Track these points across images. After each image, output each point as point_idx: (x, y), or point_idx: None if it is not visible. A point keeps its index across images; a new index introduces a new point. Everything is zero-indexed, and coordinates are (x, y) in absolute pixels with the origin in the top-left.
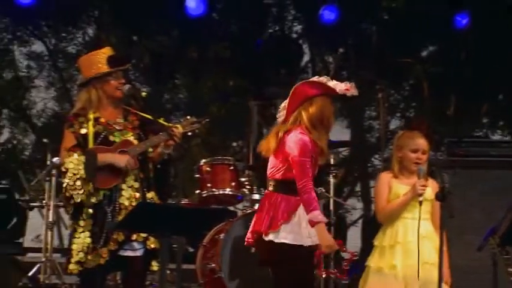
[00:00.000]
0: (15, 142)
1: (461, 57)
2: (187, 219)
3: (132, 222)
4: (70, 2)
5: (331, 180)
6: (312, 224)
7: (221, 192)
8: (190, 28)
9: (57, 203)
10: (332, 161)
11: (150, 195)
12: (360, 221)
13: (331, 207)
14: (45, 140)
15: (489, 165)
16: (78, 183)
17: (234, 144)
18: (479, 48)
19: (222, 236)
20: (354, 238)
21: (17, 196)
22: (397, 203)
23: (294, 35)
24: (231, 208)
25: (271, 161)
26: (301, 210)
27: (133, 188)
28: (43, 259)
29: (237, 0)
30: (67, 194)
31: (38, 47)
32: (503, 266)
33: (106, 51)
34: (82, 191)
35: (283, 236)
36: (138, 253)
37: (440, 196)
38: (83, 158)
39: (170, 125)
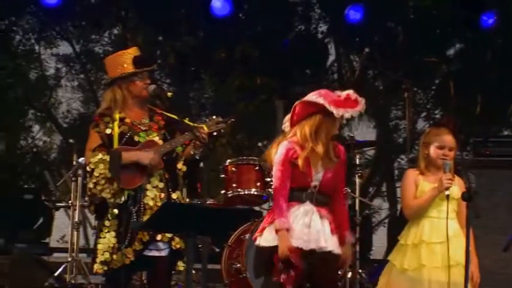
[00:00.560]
0: (41, 143)
1: (487, 57)
2: (212, 220)
3: (157, 222)
4: (96, 2)
5: (357, 180)
6: (276, 231)
7: (246, 192)
8: (216, 28)
9: (83, 203)
10: (357, 161)
11: (175, 195)
12: (386, 221)
13: (357, 208)
14: (71, 141)
15: None
16: (103, 182)
17: (260, 144)
18: (506, 47)
19: (247, 236)
20: (380, 238)
21: (43, 197)
22: (424, 198)
23: (320, 35)
24: (256, 208)
25: None
26: (292, 213)
27: (158, 188)
28: (69, 259)
29: (262, 0)
30: (92, 193)
31: (64, 48)
32: None
33: (132, 52)
34: (108, 190)
35: (265, 238)
36: (163, 253)
37: (467, 196)
38: (107, 157)
39: (195, 125)
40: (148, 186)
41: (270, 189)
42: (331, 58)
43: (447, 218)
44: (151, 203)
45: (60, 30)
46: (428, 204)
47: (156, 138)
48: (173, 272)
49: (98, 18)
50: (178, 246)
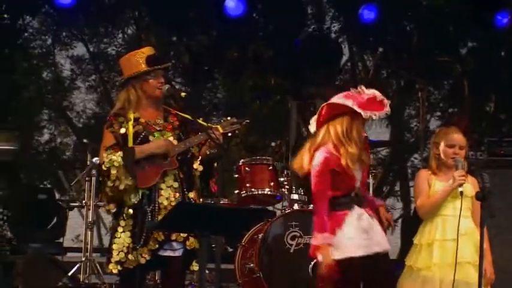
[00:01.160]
0: (56, 143)
1: (501, 56)
2: (226, 219)
3: (171, 222)
4: (110, 2)
5: (370, 180)
6: (313, 248)
7: (260, 192)
8: (230, 28)
9: (97, 202)
10: (371, 161)
11: (191, 195)
12: (400, 221)
13: None
14: (85, 141)
15: None
16: (121, 178)
17: (273, 144)
18: None
19: (260, 235)
20: (394, 237)
21: (57, 196)
22: (437, 196)
23: (333, 35)
24: (270, 208)
25: None
26: (347, 222)
27: (172, 188)
28: (83, 259)
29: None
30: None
31: (78, 48)
32: None
33: (146, 51)
34: (123, 186)
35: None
36: (178, 253)
37: (481, 196)
38: (121, 154)
39: (210, 125)
40: (163, 186)
41: (283, 189)
42: (345, 58)
43: (460, 215)
44: (165, 202)
45: (74, 30)
46: (441, 202)
47: (171, 139)
48: (187, 271)
49: (112, 19)
50: (192, 246)
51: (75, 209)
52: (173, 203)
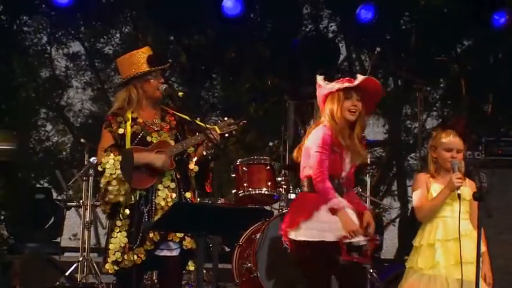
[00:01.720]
0: (52, 142)
1: (498, 56)
2: (223, 219)
3: (168, 222)
4: (107, 2)
5: (368, 179)
6: (333, 211)
7: (257, 191)
8: (227, 28)
9: (94, 202)
10: (368, 161)
11: (187, 195)
12: (397, 220)
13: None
14: (82, 140)
15: None
16: (115, 183)
17: (271, 143)
18: None
19: (258, 235)
20: (391, 237)
21: (54, 196)
22: (435, 200)
23: (331, 35)
24: (267, 208)
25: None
26: (324, 206)
27: (169, 188)
28: (80, 258)
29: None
30: (108, 199)
31: (75, 47)
32: None
33: (145, 51)
34: (118, 191)
35: (302, 233)
36: (175, 253)
37: (478, 196)
38: (119, 158)
39: (207, 126)
40: (160, 187)
41: (280, 189)
42: (342, 58)
43: (459, 217)
44: (162, 203)
45: (71, 30)
46: (440, 205)
47: (168, 139)
48: (184, 271)
49: (109, 18)
50: (189, 246)
51: (73, 208)
52: (170, 204)
